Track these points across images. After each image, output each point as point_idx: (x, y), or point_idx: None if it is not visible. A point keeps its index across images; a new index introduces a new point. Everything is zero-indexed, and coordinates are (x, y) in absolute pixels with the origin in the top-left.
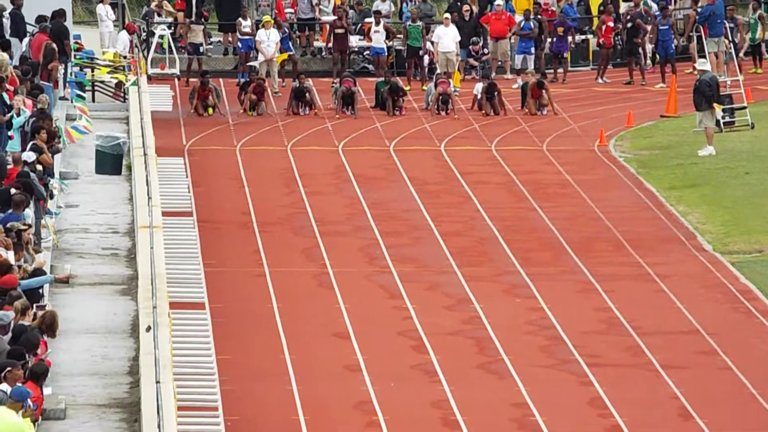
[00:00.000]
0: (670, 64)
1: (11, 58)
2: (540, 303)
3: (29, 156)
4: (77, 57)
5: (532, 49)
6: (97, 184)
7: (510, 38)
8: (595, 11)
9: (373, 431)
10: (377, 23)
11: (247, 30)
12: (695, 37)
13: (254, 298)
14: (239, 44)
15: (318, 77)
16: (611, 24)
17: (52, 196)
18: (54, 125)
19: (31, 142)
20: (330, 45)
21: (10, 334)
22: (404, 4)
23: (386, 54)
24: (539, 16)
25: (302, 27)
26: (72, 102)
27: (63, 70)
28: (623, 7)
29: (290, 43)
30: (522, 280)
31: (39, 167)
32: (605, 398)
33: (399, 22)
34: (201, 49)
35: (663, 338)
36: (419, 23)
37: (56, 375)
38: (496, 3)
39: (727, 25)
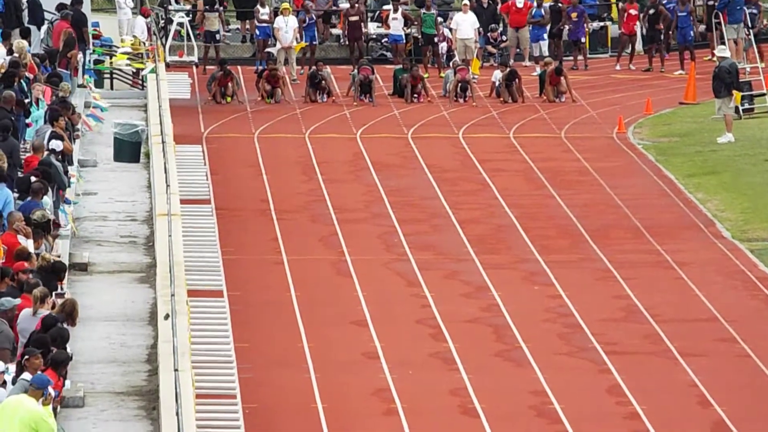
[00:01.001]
0: (689, 51)
1: (29, 45)
2: (558, 290)
3: (57, 145)
4: (96, 45)
5: (545, 36)
6: (116, 171)
7: (529, 27)
8: None
9: (391, 419)
10: (395, 10)
11: (265, 17)
12: (714, 24)
13: (272, 285)
14: (257, 31)
15: (336, 65)
16: (633, 12)
17: (69, 185)
18: (75, 112)
19: (50, 130)
20: (345, 33)
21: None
22: None
23: (404, 41)
24: (560, 4)
25: (320, 16)
26: (90, 89)
27: (82, 58)
28: None
29: (315, 31)
30: (540, 268)
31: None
32: (623, 386)
33: (416, 9)
34: (218, 36)
35: (681, 326)
36: (433, 11)
37: (75, 363)
38: None
39: (747, 11)
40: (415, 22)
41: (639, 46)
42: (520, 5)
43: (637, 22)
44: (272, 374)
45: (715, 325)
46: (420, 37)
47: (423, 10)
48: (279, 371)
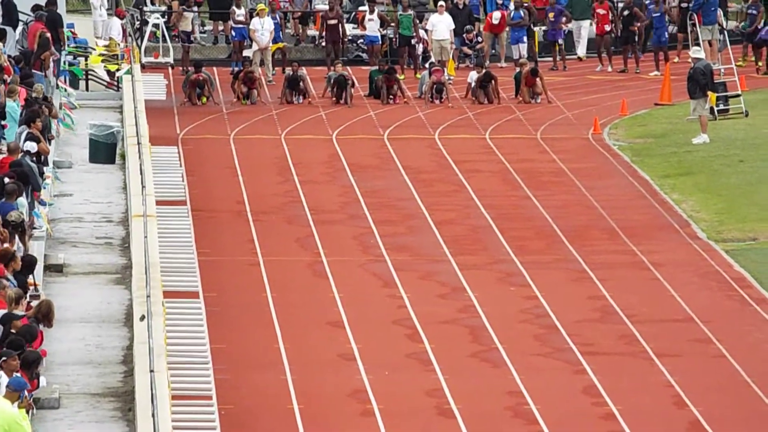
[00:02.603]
0: (663, 52)
1: (4, 46)
2: (534, 291)
3: (32, 146)
4: (71, 46)
5: (525, 38)
6: (91, 173)
7: (507, 29)
8: None
9: (367, 420)
10: (371, 11)
11: (241, 18)
12: (689, 25)
13: (248, 287)
14: (233, 33)
15: (312, 66)
16: (602, 12)
17: (45, 186)
18: (52, 112)
19: (26, 131)
20: (323, 35)
21: None
22: None
23: (380, 42)
24: (527, 4)
25: (296, 17)
26: (65, 91)
27: (58, 58)
28: None
29: (281, 33)
30: (516, 269)
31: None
32: (599, 386)
33: (392, 10)
34: (192, 37)
35: (657, 326)
36: (411, 12)
37: (50, 364)
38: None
39: (720, 12)
40: (392, 23)
41: (581, 46)
42: (496, 21)
43: (608, 23)
44: (248, 375)
45: (690, 325)
46: (396, 38)
47: (400, 11)
48: (255, 372)
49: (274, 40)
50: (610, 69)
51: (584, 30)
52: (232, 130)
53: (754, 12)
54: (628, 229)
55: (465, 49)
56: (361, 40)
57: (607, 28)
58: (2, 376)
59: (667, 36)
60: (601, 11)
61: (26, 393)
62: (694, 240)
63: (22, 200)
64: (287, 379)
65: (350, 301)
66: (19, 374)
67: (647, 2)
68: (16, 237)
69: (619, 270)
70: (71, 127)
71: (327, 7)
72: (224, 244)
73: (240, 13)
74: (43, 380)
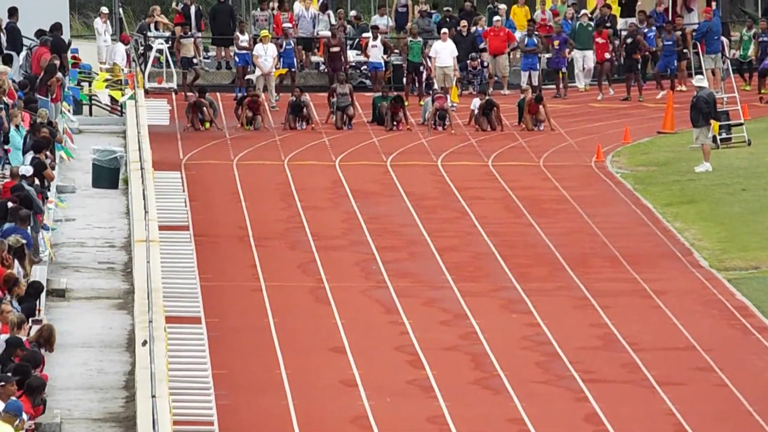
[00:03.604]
0: (670, 81)
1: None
2: (536, 318)
3: (27, 170)
4: (79, 72)
5: (537, 65)
6: (94, 198)
7: (509, 54)
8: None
9: None
10: (374, 38)
11: (245, 44)
12: (692, 54)
13: (250, 312)
14: (236, 58)
15: (315, 92)
16: (600, 40)
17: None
18: (57, 137)
19: (32, 156)
20: (326, 61)
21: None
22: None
23: (384, 69)
24: (536, 33)
25: (300, 43)
26: (70, 117)
27: (64, 83)
28: (622, 23)
29: (294, 58)
30: (518, 296)
31: (37, 181)
32: (601, 414)
33: (396, 36)
34: (195, 61)
35: (659, 354)
36: (419, 39)
37: (52, 389)
38: (494, 18)
39: (725, 41)
40: (395, 50)
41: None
42: (496, 27)
43: (607, 50)
44: (250, 401)
45: (692, 353)
46: (404, 65)
47: (410, 38)
48: (257, 398)
49: (287, 66)
50: (612, 92)
51: (588, 60)
52: (235, 156)
53: (766, 39)
54: (630, 256)
55: (469, 76)
56: (365, 67)
57: (607, 56)
58: None
59: (675, 64)
60: (600, 40)
61: (24, 416)
62: (697, 268)
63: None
64: (289, 404)
65: (352, 327)
66: (15, 398)
67: (646, 31)
68: (16, 262)
69: (622, 298)
70: (71, 156)
71: (329, 35)
72: (226, 269)
73: (243, 39)
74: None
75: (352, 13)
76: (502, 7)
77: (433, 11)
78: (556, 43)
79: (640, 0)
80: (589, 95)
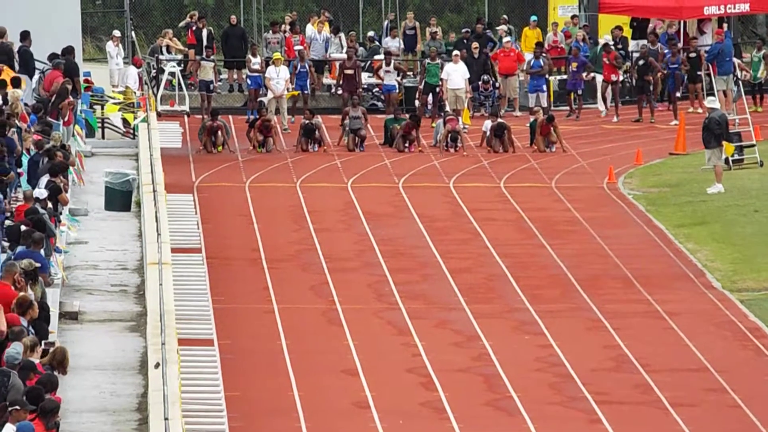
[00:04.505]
0: (672, 104)
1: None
2: (549, 340)
3: (41, 193)
4: (91, 95)
5: (544, 87)
6: (107, 220)
7: (519, 75)
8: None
9: None
10: (388, 63)
11: (257, 67)
12: (704, 75)
13: (263, 334)
14: (248, 81)
15: (327, 114)
16: (608, 61)
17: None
18: (70, 160)
19: (48, 179)
20: (340, 83)
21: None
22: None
23: (397, 91)
24: (544, 55)
25: (312, 66)
26: (82, 141)
27: (76, 107)
28: (633, 45)
29: (308, 80)
30: (531, 317)
31: (50, 204)
32: None
33: (406, 59)
34: (212, 86)
35: (672, 376)
36: (438, 61)
37: (65, 412)
38: (504, 40)
39: (736, 62)
40: (408, 72)
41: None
42: (506, 48)
43: (614, 72)
44: (263, 423)
45: (705, 375)
46: (421, 86)
47: (428, 61)
48: (269, 420)
49: (300, 89)
50: (615, 119)
51: (598, 83)
52: (248, 178)
53: None
54: (642, 278)
55: (481, 97)
56: (377, 89)
57: (614, 78)
58: (9, 426)
59: (673, 84)
60: (607, 60)
61: None
62: (709, 289)
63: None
64: (301, 426)
65: (364, 349)
66: (26, 421)
67: (665, 51)
68: (29, 286)
69: (634, 319)
70: (76, 183)
71: (344, 56)
72: (239, 291)
73: (256, 61)
74: None
75: (370, 33)
76: (501, 27)
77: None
78: (573, 65)
79: (652, 23)
80: (601, 116)
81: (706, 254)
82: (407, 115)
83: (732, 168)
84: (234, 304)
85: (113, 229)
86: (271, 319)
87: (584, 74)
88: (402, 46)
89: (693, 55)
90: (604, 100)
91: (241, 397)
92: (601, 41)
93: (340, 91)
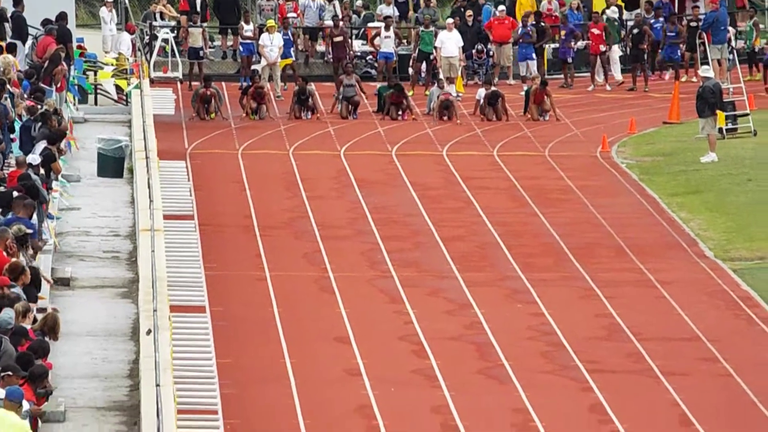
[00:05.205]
0: (675, 70)
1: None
2: (541, 308)
3: (34, 159)
4: (84, 61)
5: (533, 55)
6: (99, 187)
7: (512, 43)
8: None
9: None
10: (387, 28)
11: (249, 34)
12: (698, 44)
13: (255, 301)
14: (240, 48)
15: (321, 82)
16: (596, 32)
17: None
18: (62, 125)
19: (44, 146)
20: (329, 51)
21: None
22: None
23: (394, 58)
24: (542, 23)
25: (307, 33)
26: (75, 105)
27: (67, 74)
28: (627, 14)
29: (291, 49)
30: (523, 286)
31: (42, 171)
32: (605, 404)
33: (399, 27)
34: (201, 53)
35: (664, 345)
36: (432, 28)
37: (56, 377)
38: (498, 8)
39: (731, 31)
40: (404, 40)
41: (616, 70)
42: (500, 16)
43: (603, 43)
44: (254, 390)
45: (697, 344)
46: (415, 54)
47: (422, 28)
48: (261, 387)
49: (285, 56)
50: (609, 88)
51: (615, 54)
52: (241, 145)
53: None
54: (635, 247)
55: (474, 66)
56: (370, 57)
57: (602, 48)
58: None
59: (679, 54)
60: (595, 31)
61: (25, 403)
62: (702, 259)
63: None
64: (293, 394)
65: (357, 317)
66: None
67: (653, 22)
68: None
69: (626, 288)
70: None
71: (331, 25)
72: (231, 258)
73: (248, 28)
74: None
75: (358, 2)
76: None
77: None
78: (562, 33)
79: None
80: (591, 83)
81: (699, 223)
82: (394, 83)
83: (725, 137)
84: (226, 271)
85: (105, 196)
86: (264, 286)
87: (573, 42)
88: (397, 13)
89: (693, 24)
90: (604, 70)
91: (233, 364)
92: (609, 12)
93: (331, 59)
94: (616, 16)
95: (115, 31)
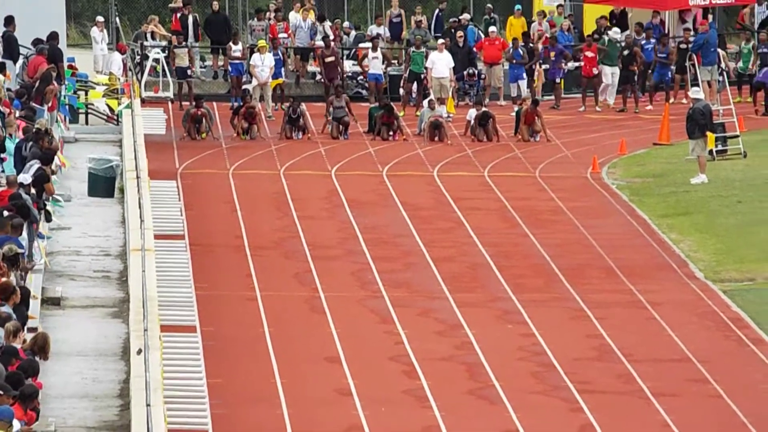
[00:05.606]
0: (665, 92)
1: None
2: (532, 329)
3: (25, 178)
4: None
5: (524, 75)
6: (90, 206)
7: (503, 64)
8: None
9: None
10: (374, 49)
11: (237, 54)
12: (689, 66)
13: (245, 321)
14: (230, 68)
15: (312, 101)
16: (590, 54)
17: (49, 219)
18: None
19: (38, 166)
20: (321, 71)
21: None
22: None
23: (383, 81)
24: (530, 45)
25: (298, 53)
26: (63, 127)
27: (58, 93)
28: (609, 34)
29: (282, 69)
30: (514, 307)
31: (33, 190)
32: (596, 425)
33: (390, 47)
34: (189, 72)
35: (654, 366)
36: (423, 49)
37: (46, 397)
38: (490, 29)
39: (721, 53)
40: (393, 61)
41: (611, 94)
42: (492, 37)
43: (595, 66)
44: (245, 410)
45: (687, 365)
46: (406, 74)
47: (413, 49)
48: (252, 407)
49: (275, 76)
50: (598, 109)
51: (613, 77)
52: (231, 165)
53: (766, 51)
54: (626, 268)
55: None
56: (361, 77)
57: (595, 71)
58: None
59: (670, 76)
60: (589, 54)
61: (16, 422)
62: (692, 280)
63: (24, 234)
64: (283, 414)
65: (347, 337)
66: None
67: (643, 43)
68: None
69: (617, 309)
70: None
71: (322, 46)
72: (222, 278)
73: (236, 49)
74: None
75: (346, 24)
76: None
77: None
78: (552, 54)
79: (631, 13)
80: (587, 107)
81: (689, 244)
82: (384, 104)
83: (715, 159)
84: (217, 291)
85: (96, 215)
86: (254, 306)
87: (564, 63)
88: (387, 34)
89: (683, 46)
90: (595, 93)
91: (224, 384)
92: (611, 33)
93: (323, 80)
94: (618, 37)
95: (106, 51)
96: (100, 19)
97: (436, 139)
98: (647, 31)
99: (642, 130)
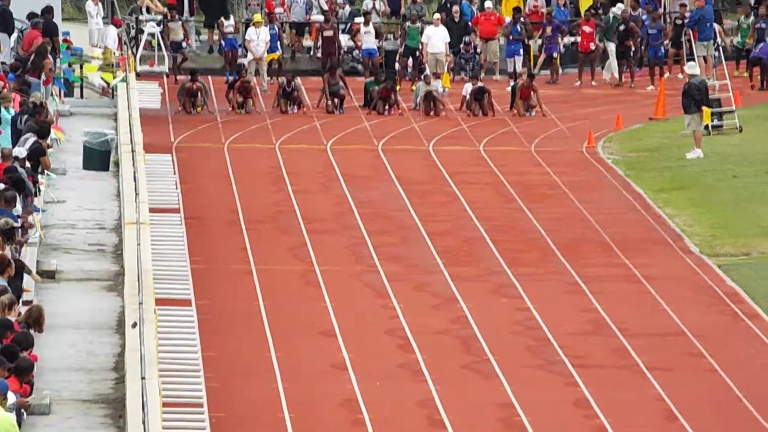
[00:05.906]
0: (659, 67)
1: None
2: (527, 303)
3: (20, 152)
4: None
5: (521, 51)
6: (85, 180)
7: (499, 39)
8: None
9: (358, 429)
10: (366, 24)
11: (230, 29)
12: (685, 41)
13: (241, 295)
14: (223, 43)
15: (307, 76)
16: (588, 29)
17: (38, 193)
18: (48, 118)
19: (34, 140)
20: (319, 46)
21: None
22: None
23: (378, 55)
24: (523, 19)
25: (293, 28)
26: (61, 99)
27: (53, 67)
28: (612, 11)
29: (278, 43)
30: (509, 281)
31: (28, 164)
32: (591, 399)
33: (386, 22)
34: (183, 45)
35: (649, 340)
36: (418, 24)
37: (41, 370)
38: (486, 5)
39: (717, 28)
40: (388, 35)
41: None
42: (487, 12)
43: (593, 41)
44: (240, 384)
45: (682, 339)
46: (401, 49)
47: (408, 23)
48: (246, 381)
49: (271, 51)
50: (594, 84)
51: (610, 52)
52: (227, 139)
53: (764, 26)
54: (621, 242)
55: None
56: (356, 52)
57: (592, 46)
58: None
59: (663, 51)
60: (587, 29)
61: (10, 395)
62: (687, 254)
63: (18, 207)
64: (278, 387)
65: (342, 311)
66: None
67: (644, 18)
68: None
69: (612, 283)
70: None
71: (323, 19)
72: (217, 252)
73: (229, 23)
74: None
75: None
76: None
77: None
78: (548, 29)
79: None
80: (578, 79)
81: (684, 219)
82: (383, 78)
83: (711, 133)
84: (212, 265)
85: (91, 189)
86: (249, 280)
87: (560, 38)
88: (385, 8)
89: (679, 22)
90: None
91: (218, 357)
92: (614, 10)
93: (319, 54)
94: (620, 12)
95: (101, 25)
96: None
97: (432, 113)
98: (647, 5)
99: (638, 105)
